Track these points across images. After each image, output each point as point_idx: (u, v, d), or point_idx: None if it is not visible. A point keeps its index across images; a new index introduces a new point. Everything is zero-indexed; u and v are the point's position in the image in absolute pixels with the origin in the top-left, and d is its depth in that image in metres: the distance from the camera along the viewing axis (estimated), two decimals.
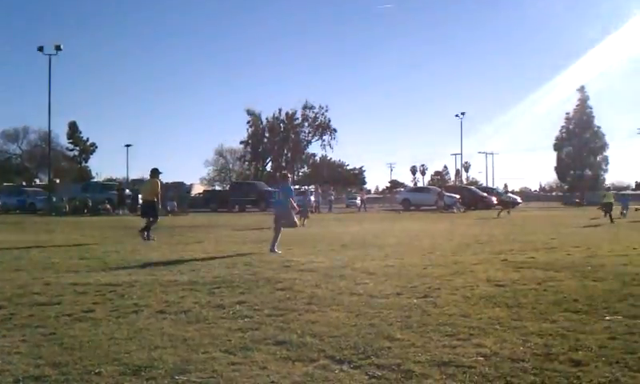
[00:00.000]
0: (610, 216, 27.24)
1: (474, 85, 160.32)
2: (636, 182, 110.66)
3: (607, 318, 5.98)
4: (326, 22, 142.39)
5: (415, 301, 6.93)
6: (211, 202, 50.02)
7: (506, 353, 4.70)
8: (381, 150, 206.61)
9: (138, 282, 8.52)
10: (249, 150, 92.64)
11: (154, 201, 16.60)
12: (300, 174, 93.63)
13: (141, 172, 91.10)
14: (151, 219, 16.45)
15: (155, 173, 17.25)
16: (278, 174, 16.28)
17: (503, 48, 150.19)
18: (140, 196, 17.62)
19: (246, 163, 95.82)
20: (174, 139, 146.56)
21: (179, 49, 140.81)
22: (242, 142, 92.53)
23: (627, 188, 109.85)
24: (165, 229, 20.08)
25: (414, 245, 14.62)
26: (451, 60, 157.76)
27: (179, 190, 54.20)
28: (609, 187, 42.03)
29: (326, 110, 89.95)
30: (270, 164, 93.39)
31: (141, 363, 4.48)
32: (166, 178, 43.49)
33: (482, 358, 4.57)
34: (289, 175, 15.87)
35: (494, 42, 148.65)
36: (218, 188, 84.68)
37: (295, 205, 14.64)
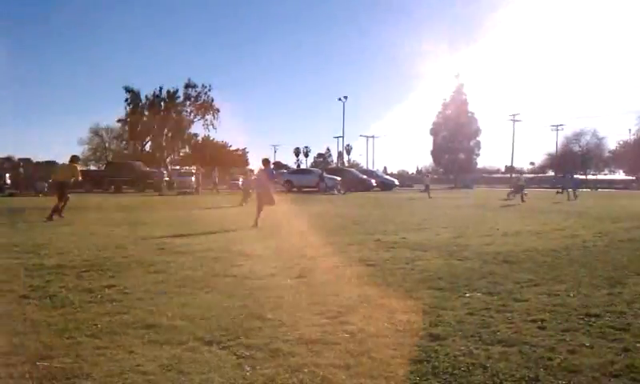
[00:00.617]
0: (522, 197, 30.54)
1: (357, 69, 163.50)
2: (505, 165, 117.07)
3: (467, 294, 6.35)
4: (209, 1, 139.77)
5: (289, 281, 7.06)
6: (85, 182, 48.01)
7: (371, 329, 4.90)
8: (265, 131, 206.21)
9: (1, 266, 8.09)
10: (127, 128, 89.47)
11: (68, 183, 17.57)
12: (181, 154, 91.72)
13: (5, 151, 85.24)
14: (62, 200, 17.00)
15: (75, 159, 18.52)
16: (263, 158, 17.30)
17: (385, 34, 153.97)
18: (54, 177, 18.23)
19: (124, 142, 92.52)
20: (42, 116, 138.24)
21: (48, 18, 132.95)
22: (119, 120, 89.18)
23: (497, 171, 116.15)
24: (35, 210, 19.12)
25: (293, 226, 14.79)
26: (335, 44, 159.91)
27: (50, 169, 51.60)
28: (522, 171, 45.54)
29: (209, 90, 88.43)
30: (149, 143, 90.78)
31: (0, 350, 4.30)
32: (36, 157, 41.04)
33: (348, 335, 4.74)
34: (270, 160, 17.22)
35: (377, 28, 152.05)
36: (93, 168, 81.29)
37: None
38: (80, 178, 18.34)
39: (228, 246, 10.34)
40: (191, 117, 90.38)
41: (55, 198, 17.21)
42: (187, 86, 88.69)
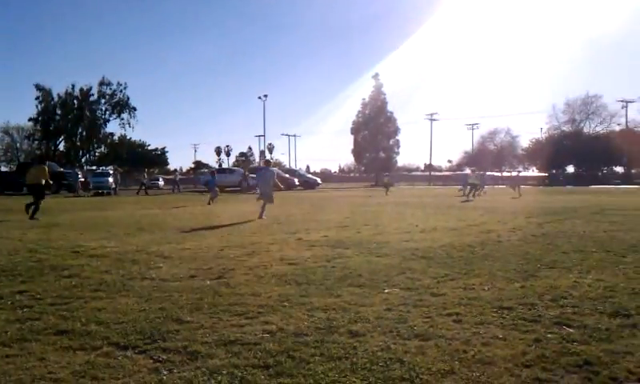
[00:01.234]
0: (473, 194, 32.16)
1: (278, 68, 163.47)
2: (424, 163, 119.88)
3: (386, 290, 6.43)
4: None
5: (208, 282, 6.95)
6: None
7: (291, 328, 4.89)
8: (185, 130, 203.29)
9: None
10: (38, 127, 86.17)
11: (41, 184, 18.40)
12: (97, 154, 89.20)
13: None
14: (40, 200, 18.06)
15: (43, 160, 21.04)
16: (264, 159, 19.40)
17: (306, 35, 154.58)
18: (28, 180, 18.92)
19: (36, 142, 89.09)
20: None
21: None
22: (30, 119, 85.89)
23: (417, 169, 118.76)
24: None
25: (214, 226, 14.61)
26: (257, 41, 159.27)
27: None
28: (474, 170, 47.42)
29: (125, 88, 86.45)
30: (62, 143, 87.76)
31: None
32: None
33: (267, 335, 4.71)
34: (271, 161, 21.39)
35: (299, 28, 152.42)
36: (3, 169, 77.97)
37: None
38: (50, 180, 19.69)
39: (146, 248, 10.11)
40: (106, 115, 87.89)
41: (32, 199, 18.14)
42: (102, 84, 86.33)
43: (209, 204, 26.18)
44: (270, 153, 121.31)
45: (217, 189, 29.27)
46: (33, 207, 17.60)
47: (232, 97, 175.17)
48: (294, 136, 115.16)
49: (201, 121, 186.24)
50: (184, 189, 55.06)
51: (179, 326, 5.03)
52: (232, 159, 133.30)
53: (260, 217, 16.92)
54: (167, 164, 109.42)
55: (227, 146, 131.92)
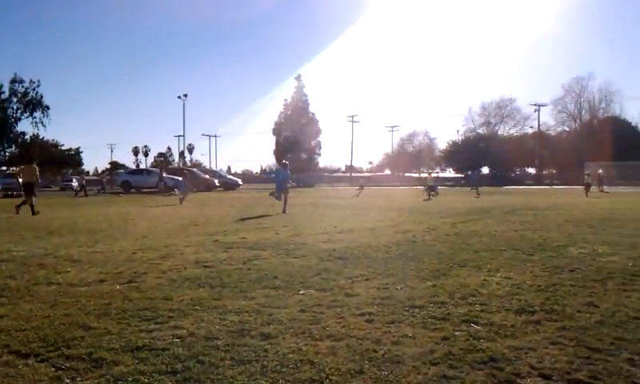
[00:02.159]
0: (430, 195, 33.91)
1: (198, 68, 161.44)
2: (345, 165, 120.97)
3: (301, 292, 6.42)
4: None
5: (118, 287, 6.75)
6: None
7: (202, 332, 4.79)
8: (101, 129, 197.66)
9: None
10: None
11: (33, 182, 20.87)
12: (7, 154, 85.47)
13: None
14: (32, 197, 20.31)
15: (33, 160, 23.41)
16: (282, 161, 24.90)
17: (228, 35, 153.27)
18: (22, 179, 21.59)
19: None
20: None
21: None
22: None
23: (338, 171, 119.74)
24: None
25: (128, 229, 14.23)
26: (177, 39, 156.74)
27: None
28: (430, 172, 49.77)
29: (38, 85, 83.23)
30: None
31: None
32: None
33: (177, 340, 4.60)
34: (287, 163, 23.48)
35: (221, 27, 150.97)
36: None
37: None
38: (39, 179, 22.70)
39: (54, 252, 9.73)
40: (18, 114, 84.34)
41: (24, 196, 20.63)
42: (14, 82, 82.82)
43: (181, 203, 26.72)
44: (190, 153, 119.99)
45: (187, 188, 29.88)
46: (30, 205, 19.89)
47: (151, 96, 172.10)
48: (215, 136, 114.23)
49: (118, 120, 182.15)
50: (99, 190, 53.42)
51: (85, 332, 4.85)
52: (150, 159, 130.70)
53: (284, 211, 20.05)
54: (82, 164, 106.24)
55: (145, 147, 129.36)
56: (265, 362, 4.06)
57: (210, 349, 4.36)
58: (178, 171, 52.94)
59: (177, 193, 41.62)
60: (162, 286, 6.81)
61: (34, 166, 21.57)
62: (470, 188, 45.99)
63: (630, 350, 4.25)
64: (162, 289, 6.62)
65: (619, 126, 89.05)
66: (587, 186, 37.52)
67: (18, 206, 20.00)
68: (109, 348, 4.41)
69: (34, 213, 19.46)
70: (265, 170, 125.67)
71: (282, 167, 23.29)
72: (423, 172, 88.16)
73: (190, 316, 5.36)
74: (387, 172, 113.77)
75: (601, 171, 47.84)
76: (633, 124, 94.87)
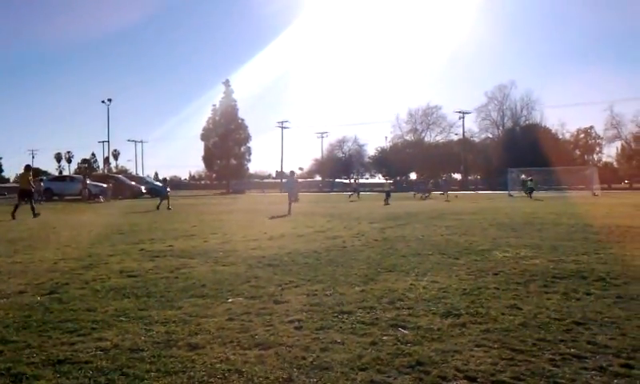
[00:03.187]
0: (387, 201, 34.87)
1: (124, 72, 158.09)
2: (276, 171, 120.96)
3: (229, 300, 6.34)
4: None
5: (39, 298, 6.49)
6: None
7: (126, 344, 4.66)
8: (21, 135, 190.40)
9: None
10: None
11: (29, 189, 23.61)
12: None
13: None
14: (26, 200, 22.94)
15: (28, 168, 25.28)
16: (290, 170, 30.92)
17: (155, 37, 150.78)
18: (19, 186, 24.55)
19: None
20: None
21: None
22: None
23: (268, 177, 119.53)
24: None
25: (49, 238, 13.72)
26: (98, 43, 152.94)
27: None
28: (387, 178, 50.75)
29: None
30: None
31: None
32: None
33: (101, 352, 4.46)
34: (294, 171, 29.09)
35: (147, 30, 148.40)
36: None
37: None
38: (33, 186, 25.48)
39: None
40: None
41: (22, 202, 22.95)
42: None
43: (169, 209, 27.68)
44: (116, 159, 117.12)
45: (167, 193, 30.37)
46: (31, 208, 22.38)
47: (74, 100, 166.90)
48: (141, 142, 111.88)
49: (39, 125, 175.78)
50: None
51: (3, 346, 4.65)
52: (74, 166, 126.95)
53: (289, 213, 22.84)
54: (1, 171, 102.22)
55: (68, 153, 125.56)
56: (191, 373, 3.98)
57: (135, 361, 4.25)
58: (102, 178, 51.66)
59: (101, 200, 40.68)
60: (85, 296, 6.60)
61: (28, 173, 24.54)
62: (440, 193, 47.96)
63: (551, 351, 4.38)
64: (85, 300, 6.41)
65: (540, 133, 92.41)
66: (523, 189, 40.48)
67: (13, 212, 21.86)
68: (29, 362, 4.24)
69: (35, 214, 22.07)
70: (194, 176, 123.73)
71: (290, 176, 28.40)
72: (353, 178, 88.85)
73: (114, 327, 5.21)
74: (317, 178, 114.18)
75: (523, 176, 49.93)
76: (553, 131, 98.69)
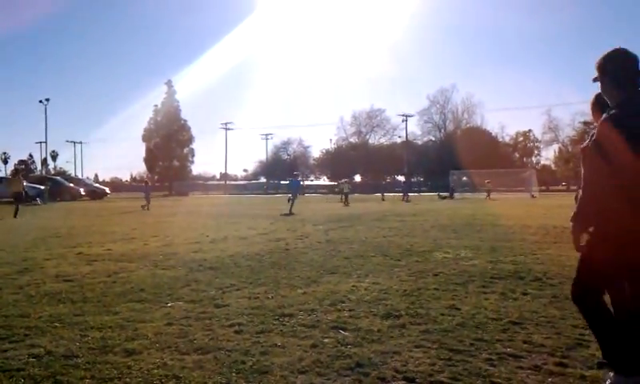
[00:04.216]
0: (347, 201, 37.63)
1: (62, 71, 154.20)
2: (220, 172, 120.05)
3: (169, 304, 6.23)
4: None
5: None
6: None
7: (60, 351, 4.53)
8: None
9: None
10: None
11: (20, 192, 26.90)
12: None
13: None
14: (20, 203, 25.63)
15: (17, 172, 31.01)
16: (294, 172, 37.39)
17: (93, 35, 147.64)
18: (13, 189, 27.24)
19: None
20: None
21: None
22: None
23: (213, 178, 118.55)
24: None
25: None
26: (33, 40, 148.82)
27: None
28: (346, 181, 51.44)
29: None
30: None
31: None
32: None
33: (33, 359, 4.32)
34: (298, 173, 37.86)
35: (87, 29, 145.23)
36: None
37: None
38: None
39: None
40: None
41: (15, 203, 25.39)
42: None
43: (148, 209, 29.63)
44: (54, 161, 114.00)
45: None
46: (15, 209, 24.58)
47: (9, 100, 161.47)
48: (80, 143, 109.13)
49: None
50: None
51: None
52: (10, 167, 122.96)
53: (290, 212, 24.60)
54: None
55: (4, 154, 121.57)
56: (127, 380, 3.90)
57: (70, 368, 4.13)
58: (40, 180, 50.18)
59: (39, 202, 39.53)
60: (18, 302, 6.38)
61: (20, 177, 30.06)
62: (402, 194, 48.85)
63: (488, 351, 4.46)
64: (19, 305, 6.21)
65: (481, 135, 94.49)
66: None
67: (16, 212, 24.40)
68: None
69: (16, 215, 24.04)
70: (135, 177, 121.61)
71: (293, 178, 32.63)
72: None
73: (48, 333, 5.05)
74: (262, 179, 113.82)
75: (464, 179, 51.45)
76: (493, 134, 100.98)
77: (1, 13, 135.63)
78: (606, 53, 3.59)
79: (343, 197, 39.01)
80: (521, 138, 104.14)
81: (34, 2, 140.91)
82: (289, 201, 27.34)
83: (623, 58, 3.55)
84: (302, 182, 34.61)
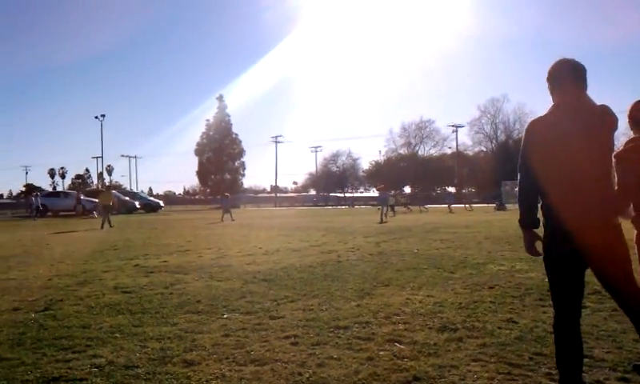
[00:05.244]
0: (393, 212, 37.99)
1: (118, 87, 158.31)
2: (271, 185, 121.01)
3: (225, 316, 6.31)
4: None
5: (33, 315, 6.46)
6: None
7: (121, 361, 4.63)
8: (14, 150, 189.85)
9: None
10: None
11: (109, 205, 28.34)
12: None
13: None
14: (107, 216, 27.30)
15: (109, 188, 32.17)
16: (382, 186, 39.41)
17: (147, 52, 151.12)
18: (101, 202, 29.49)
19: None
20: None
21: None
22: None
23: (263, 191, 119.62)
24: None
25: (43, 254, 13.66)
26: (91, 59, 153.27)
27: None
28: (393, 193, 52.47)
29: None
30: None
31: None
32: None
33: (96, 369, 4.43)
34: (384, 186, 35.93)
35: (139, 46, 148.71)
36: None
37: None
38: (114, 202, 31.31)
39: None
40: None
41: (103, 215, 27.37)
42: None
43: (232, 220, 31.73)
44: (110, 175, 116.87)
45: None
46: (107, 221, 26.38)
47: (67, 116, 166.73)
48: (135, 157, 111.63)
49: (32, 141, 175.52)
50: (13, 214, 51.28)
51: None
52: (67, 181, 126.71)
53: (385, 221, 28.10)
54: None
55: (62, 168, 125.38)
56: None
57: (130, 378, 4.22)
58: (96, 193, 51.47)
59: (95, 215, 40.53)
60: (79, 313, 6.56)
61: (110, 192, 31.75)
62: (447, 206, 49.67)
63: (548, 365, 4.36)
64: (80, 316, 6.38)
65: None
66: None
67: (103, 223, 26.23)
68: (23, 379, 4.22)
69: (109, 226, 25.99)
70: (188, 191, 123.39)
71: (383, 191, 34.40)
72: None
73: (108, 344, 5.18)
74: (312, 192, 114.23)
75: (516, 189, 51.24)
76: None
77: (62, 40, 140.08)
78: None
79: (386, 209, 39.02)
80: None
81: (95, 31, 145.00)
82: (379, 210, 31.67)
83: None
84: (390, 195, 37.65)
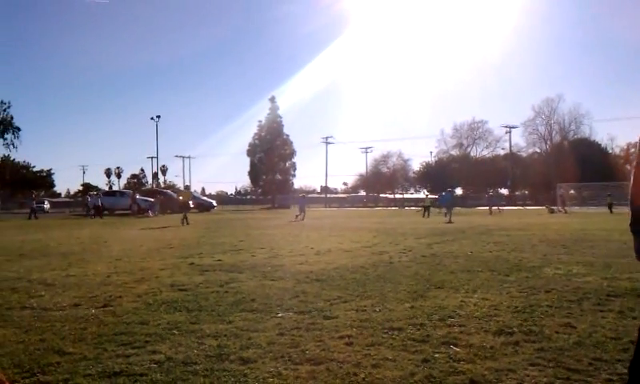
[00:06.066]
0: (428, 214, 39.66)
1: (171, 88, 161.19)
2: (321, 186, 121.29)
3: (279, 314, 6.36)
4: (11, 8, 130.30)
5: (93, 311, 6.63)
6: None
7: (180, 357, 4.72)
8: (73, 151, 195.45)
9: None
10: None
11: (188, 202, 32.27)
12: None
13: None
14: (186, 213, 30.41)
15: (187, 187, 36.49)
16: (447, 189, 40.26)
17: (201, 54, 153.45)
18: (180, 199, 33.64)
19: None
20: None
21: None
22: None
23: (313, 192, 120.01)
24: None
25: (101, 252, 14.03)
26: (147, 62, 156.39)
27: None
28: (427, 194, 53.87)
29: (9, 107, 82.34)
30: None
31: None
32: None
33: (155, 365, 4.52)
34: (450, 189, 37.31)
35: (193, 48, 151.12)
36: None
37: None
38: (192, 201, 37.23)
39: (27, 275, 9.56)
40: None
41: (183, 211, 29.98)
42: None
43: (302, 219, 33.29)
44: (164, 175, 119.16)
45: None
46: (185, 218, 28.62)
47: (123, 117, 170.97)
48: (189, 158, 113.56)
49: (90, 142, 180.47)
50: (70, 212, 52.68)
51: (60, 357, 4.75)
52: (123, 181, 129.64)
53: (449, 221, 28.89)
54: (53, 186, 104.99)
55: (118, 168, 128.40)
56: None
57: (189, 374, 4.30)
58: (151, 193, 52.60)
59: (150, 214, 41.38)
60: (137, 309, 6.72)
61: (189, 191, 36.20)
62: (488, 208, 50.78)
63: (608, 371, 4.27)
64: (138, 313, 6.53)
65: (589, 147, 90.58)
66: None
67: (182, 220, 28.42)
68: (85, 374, 4.32)
69: (183, 223, 27.99)
70: (239, 191, 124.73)
71: (447, 192, 36.28)
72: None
73: (167, 340, 5.28)
74: (362, 193, 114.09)
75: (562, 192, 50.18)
76: (602, 146, 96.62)
77: (123, 48, 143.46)
78: None
79: (425, 211, 40.00)
80: (632, 149, 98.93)
81: (157, 43, 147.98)
82: (445, 214, 32.47)
83: None
84: (454, 195, 39.48)
